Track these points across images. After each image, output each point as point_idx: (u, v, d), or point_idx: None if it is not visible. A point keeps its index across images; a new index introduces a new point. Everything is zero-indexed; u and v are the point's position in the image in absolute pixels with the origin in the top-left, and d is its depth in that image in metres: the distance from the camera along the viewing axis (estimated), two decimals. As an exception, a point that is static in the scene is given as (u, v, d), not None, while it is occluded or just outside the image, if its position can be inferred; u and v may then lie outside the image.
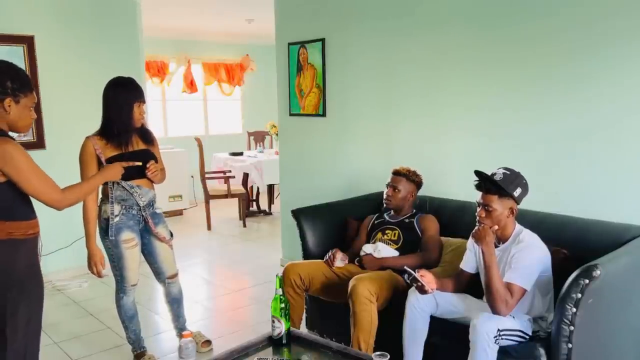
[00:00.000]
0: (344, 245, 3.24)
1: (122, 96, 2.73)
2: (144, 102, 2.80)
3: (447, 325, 2.52)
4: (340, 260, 3.01)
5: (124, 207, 2.79)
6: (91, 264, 2.79)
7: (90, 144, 2.73)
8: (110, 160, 2.72)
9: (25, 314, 2.06)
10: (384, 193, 3.18)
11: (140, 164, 2.74)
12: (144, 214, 2.85)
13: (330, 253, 3.06)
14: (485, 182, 2.39)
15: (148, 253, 2.97)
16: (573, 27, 2.85)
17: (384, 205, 3.19)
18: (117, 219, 2.78)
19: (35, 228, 2.11)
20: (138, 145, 2.83)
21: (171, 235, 3.03)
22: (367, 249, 3.03)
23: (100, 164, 2.72)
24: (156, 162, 2.86)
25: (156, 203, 2.97)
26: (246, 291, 4.32)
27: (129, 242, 2.81)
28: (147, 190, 2.87)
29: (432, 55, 3.50)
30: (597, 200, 2.83)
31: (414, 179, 3.15)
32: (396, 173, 3.16)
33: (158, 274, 3.04)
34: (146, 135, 2.90)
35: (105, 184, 2.77)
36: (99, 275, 2.81)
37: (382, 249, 2.99)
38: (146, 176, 2.80)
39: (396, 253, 2.99)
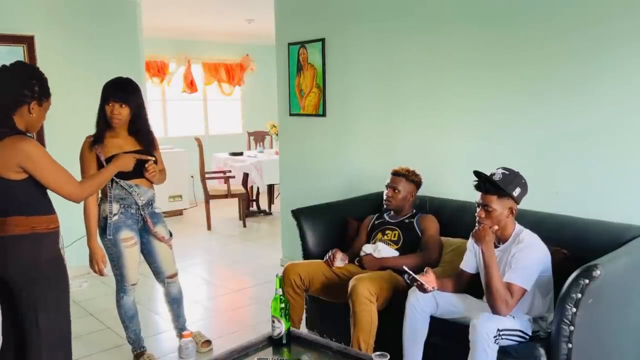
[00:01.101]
0: (344, 245, 3.24)
1: (101, 96, 2.77)
2: (116, 101, 2.72)
3: (447, 325, 2.52)
4: (340, 260, 3.01)
5: (122, 206, 2.80)
6: (93, 262, 2.79)
7: (89, 143, 2.75)
8: (110, 160, 2.72)
9: (55, 304, 2.15)
10: (384, 194, 3.18)
11: (153, 158, 2.80)
12: (142, 213, 2.85)
13: (330, 253, 3.06)
14: (485, 183, 2.39)
15: (147, 252, 2.97)
16: (573, 28, 2.85)
17: (385, 206, 3.19)
18: (115, 217, 2.78)
19: (56, 222, 2.19)
20: (128, 146, 2.81)
21: (170, 234, 3.03)
22: (367, 249, 3.03)
23: (100, 163, 2.73)
24: (155, 162, 2.86)
25: (155, 203, 2.97)
26: (246, 291, 4.32)
27: (128, 241, 2.81)
28: (146, 190, 2.87)
29: (433, 55, 3.50)
30: (597, 200, 2.82)
31: (414, 179, 3.15)
32: (396, 174, 3.16)
33: (157, 273, 3.04)
34: (147, 137, 2.89)
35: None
36: (101, 274, 2.81)
37: (382, 249, 2.98)
38: (145, 175, 2.81)
39: (396, 253, 2.99)
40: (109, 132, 2.78)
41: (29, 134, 2.16)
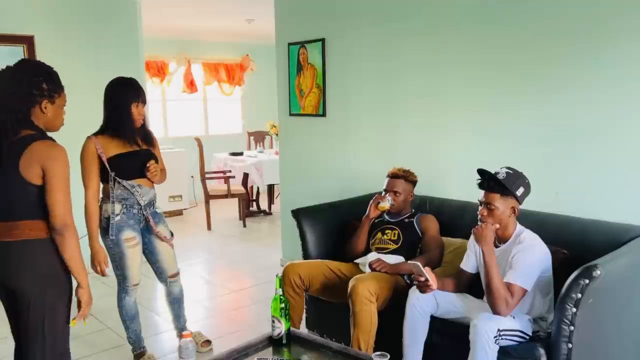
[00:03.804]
0: (344, 246, 3.23)
1: (121, 96, 2.74)
2: (142, 102, 2.80)
3: (447, 325, 2.52)
4: (387, 200, 3.05)
5: (124, 206, 2.80)
6: (94, 262, 2.78)
7: (91, 143, 2.74)
8: (112, 160, 2.74)
9: (63, 309, 2.10)
10: None
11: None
12: (144, 213, 2.85)
13: (374, 199, 3.09)
14: (489, 180, 2.40)
15: (149, 252, 2.98)
16: (573, 29, 2.84)
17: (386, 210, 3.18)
18: (117, 218, 2.78)
19: None
20: (141, 144, 2.84)
21: (171, 234, 3.03)
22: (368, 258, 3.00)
23: (101, 163, 2.73)
24: (156, 162, 2.87)
25: (156, 202, 2.97)
26: (246, 291, 4.32)
27: (130, 241, 2.81)
28: (148, 190, 2.87)
29: (432, 55, 3.50)
30: (597, 200, 2.82)
31: (412, 179, 3.14)
32: (394, 176, 3.13)
33: (159, 273, 3.05)
34: (147, 136, 2.91)
35: (106, 182, 2.78)
36: (103, 274, 2.81)
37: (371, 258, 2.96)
38: (146, 175, 2.81)
39: (391, 256, 2.97)
40: (112, 132, 2.78)
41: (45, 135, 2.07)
